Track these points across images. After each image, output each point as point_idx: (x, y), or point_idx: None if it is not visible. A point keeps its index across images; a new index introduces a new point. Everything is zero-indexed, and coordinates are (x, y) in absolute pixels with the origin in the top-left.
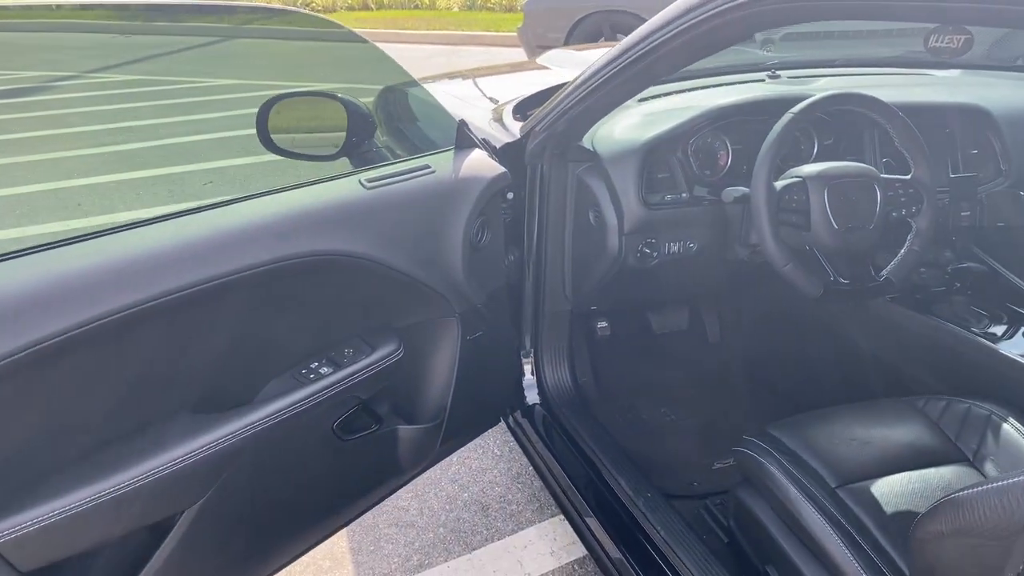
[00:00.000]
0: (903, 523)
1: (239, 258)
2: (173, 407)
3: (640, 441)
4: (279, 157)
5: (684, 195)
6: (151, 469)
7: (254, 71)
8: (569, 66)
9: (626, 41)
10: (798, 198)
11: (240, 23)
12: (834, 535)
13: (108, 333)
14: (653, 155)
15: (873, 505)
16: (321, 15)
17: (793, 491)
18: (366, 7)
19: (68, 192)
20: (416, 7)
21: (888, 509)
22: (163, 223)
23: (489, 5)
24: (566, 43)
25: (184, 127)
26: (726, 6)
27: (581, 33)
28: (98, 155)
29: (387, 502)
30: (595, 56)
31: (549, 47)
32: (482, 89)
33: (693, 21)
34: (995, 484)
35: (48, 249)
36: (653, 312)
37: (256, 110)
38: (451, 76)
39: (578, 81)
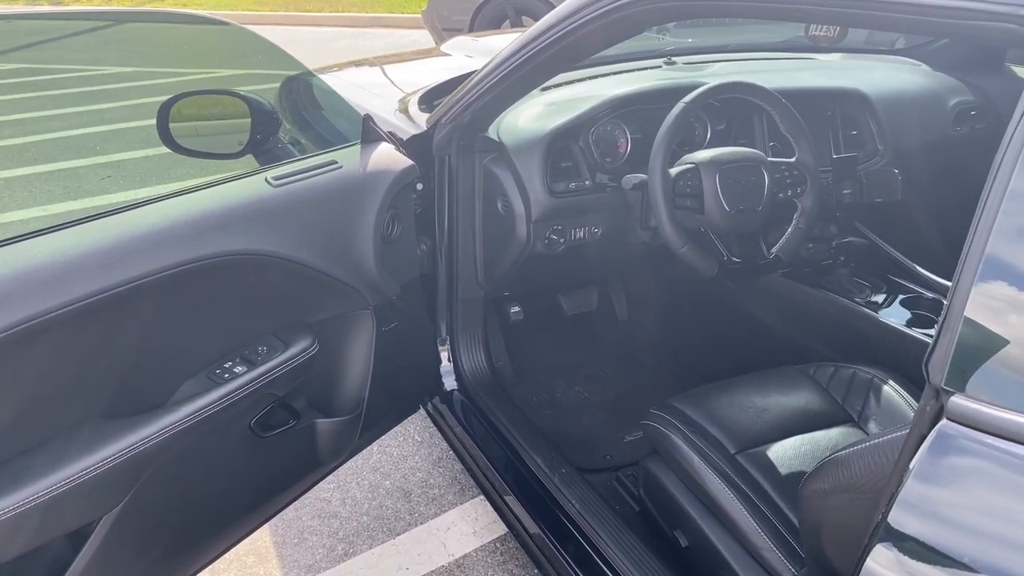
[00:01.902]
0: (795, 483)
1: (148, 262)
2: (84, 413)
3: (555, 419)
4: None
5: (587, 183)
6: (65, 478)
7: (148, 58)
8: (473, 54)
9: (530, 32)
10: (692, 183)
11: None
12: (735, 498)
13: (14, 342)
14: (556, 144)
15: (769, 468)
16: (203, 13)
17: (696, 459)
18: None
19: None
20: None
21: (783, 471)
22: (66, 229)
23: None
24: (471, 26)
25: (77, 118)
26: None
27: (486, 16)
28: None
29: (309, 494)
30: (498, 44)
31: (454, 30)
32: (388, 78)
33: (597, 12)
34: (868, 443)
35: None
36: (564, 294)
37: (155, 99)
38: (357, 64)
39: (483, 72)
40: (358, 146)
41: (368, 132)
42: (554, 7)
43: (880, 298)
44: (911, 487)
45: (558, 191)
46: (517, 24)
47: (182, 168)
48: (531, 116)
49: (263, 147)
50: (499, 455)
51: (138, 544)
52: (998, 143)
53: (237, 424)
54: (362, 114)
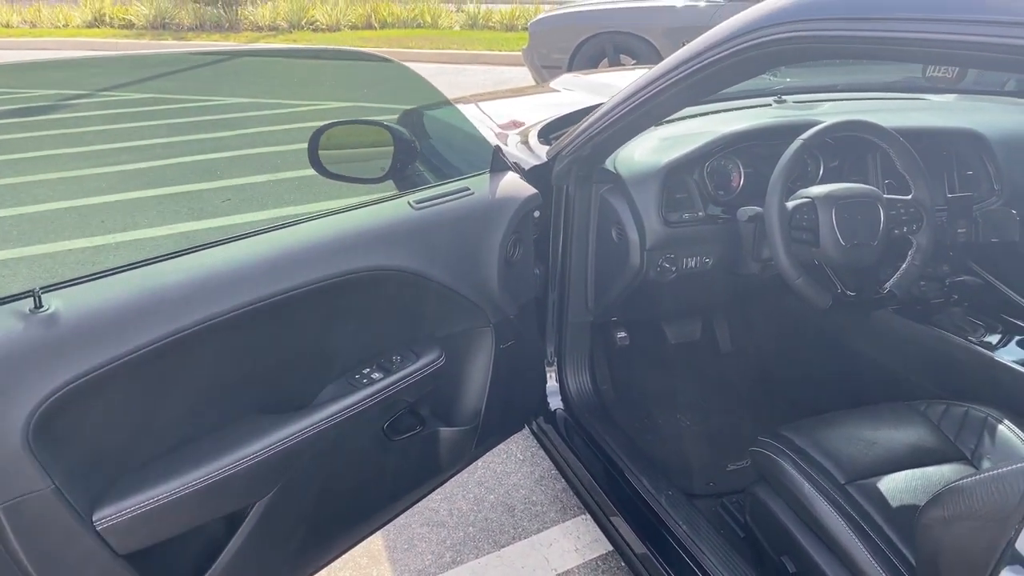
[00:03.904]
0: (907, 515)
1: (303, 274)
2: (244, 409)
3: (657, 445)
4: (298, 174)
5: (700, 214)
6: (228, 464)
7: (264, 89)
8: (579, 90)
9: (658, 68)
10: (808, 217)
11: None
12: (845, 526)
13: (192, 342)
14: (672, 177)
15: (880, 499)
16: (368, 50)
17: (807, 487)
18: (369, 26)
19: (90, 209)
20: (419, 26)
21: (893, 503)
22: (238, 241)
23: (490, 24)
24: (570, 63)
25: (200, 145)
26: (760, 40)
27: (585, 54)
28: (116, 173)
29: (419, 504)
30: (604, 80)
31: (553, 67)
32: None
33: (724, 53)
34: (992, 472)
35: (139, 267)
36: (668, 323)
37: (269, 128)
38: (477, 99)
39: (607, 107)
40: (487, 174)
41: (497, 161)
42: (653, 46)
43: (995, 338)
44: None
45: (672, 221)
46: (615, 62)
47: (296, 193)
48: (647, 149)
49: (402, 173)
50: (604, 474)
51: (285, 531)
52: None
53: (372, 426)
54: (492, 145)
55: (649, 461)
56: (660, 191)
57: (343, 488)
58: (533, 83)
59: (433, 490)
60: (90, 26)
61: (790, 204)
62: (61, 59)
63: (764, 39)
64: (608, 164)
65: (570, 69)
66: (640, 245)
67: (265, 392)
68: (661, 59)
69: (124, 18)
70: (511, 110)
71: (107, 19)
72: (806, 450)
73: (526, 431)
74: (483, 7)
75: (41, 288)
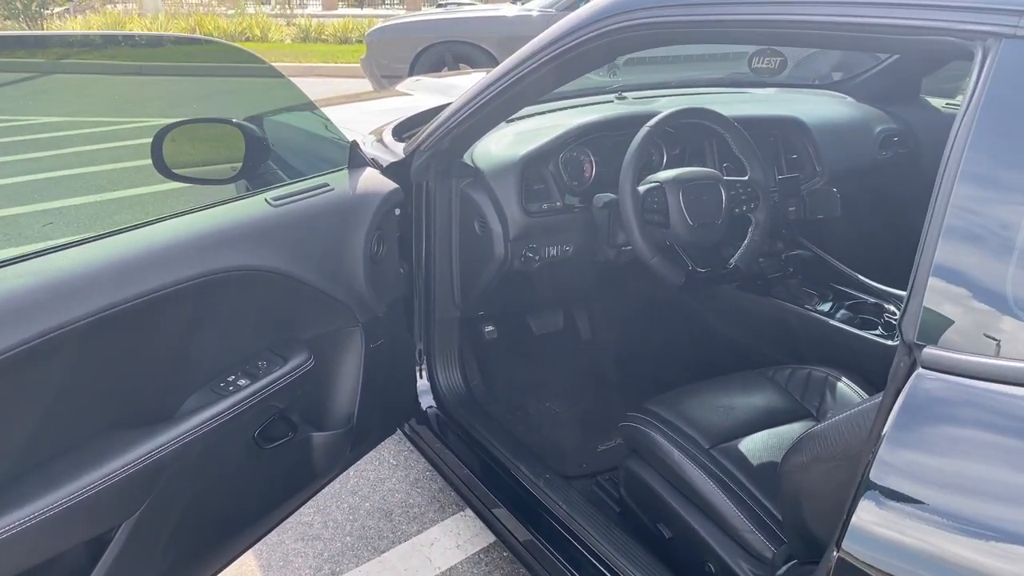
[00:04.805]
0: (767, 471)
1: (160, 276)
2: (99, 424)
3: (531, 434)
4: (129, 193)
5: (558, 203)
6: (88, 484)
7: (78, 107)
8: (427, 92)
9: (508, 63)
10: (658, 200)
11: (106, 57)
12: (714, 487)
13: (40, 353)
14: (529, 168)
15: (742, 460)
16: (232, 44)
17: (676, 453)
18: (194, 41)
19: None
20: (247, 39)
21: (754, 462)
22: (78, 247)
23: (323, 37)
24: (410, 72)
25: (10, 167)
26: (594, 33)
27: (424, 62)
28: None
29: (291, 518)
30: (452, 82)
31: (394, 76)
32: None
33: (571, 43)
34: (843, 415)
35: None
36: (532, 316)
37: (92, 146)
38: (324, 104)
39: (461, 101)
40: (346, 171)
41: (355, 157)
42: (491, 55)
43: (827, 305)
44: (891, 441)
45: (532, 211)
46: (455, 70)
47: (125, 213)
48: (504, 143)
49: (254, 173)
50: (482, 468)
51: (154, 552)
52: (919, 165)
53: (242, 435)
54: (348, 141)
55: (524, 450)
56: (519, 182)
57: (214, 502)
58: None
59: (309, 499)
60: None
61: (641, 189)
62: None
63: (609, 28)
64: (466, 159)
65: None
66: (504, 236)
67: (123, 405)
68: None
69: None
70: (364, 113)
71: None
72: (672, 420)
73: (397, 435)
74: (315, 20)
75: None
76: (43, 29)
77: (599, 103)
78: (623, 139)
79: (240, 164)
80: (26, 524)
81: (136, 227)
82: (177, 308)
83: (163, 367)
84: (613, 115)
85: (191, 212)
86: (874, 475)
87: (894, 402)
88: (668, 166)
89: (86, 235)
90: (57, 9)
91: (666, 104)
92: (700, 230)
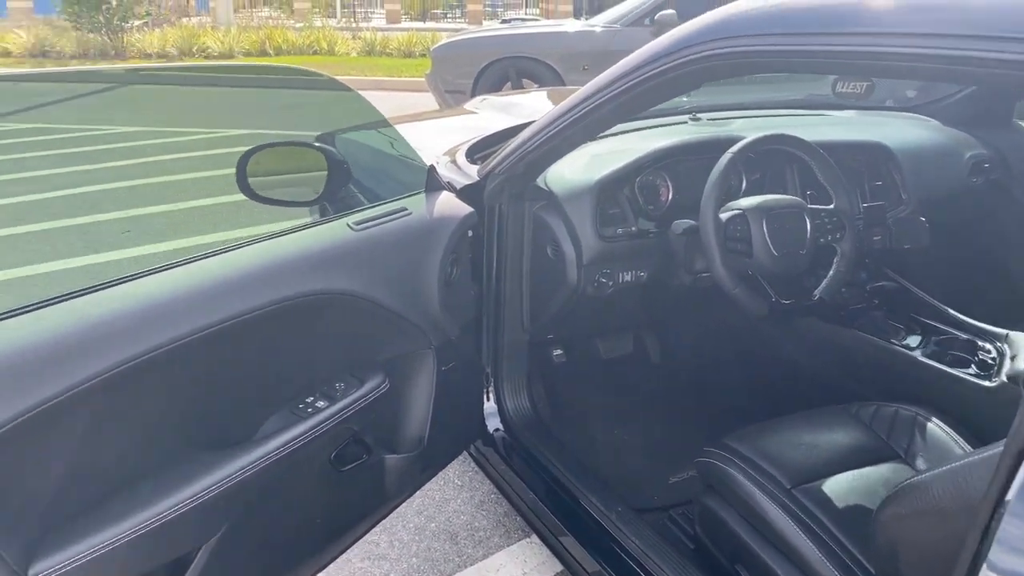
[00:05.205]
0: (853, 515)
1: (243, 301)
2: (183, 446)
3: (598, 461)
4: (199, 203)
5: (633, 228)
6: (172, 506)
7: (158, 118)
8: (495, 111)
9: (590, 86)
10: (740, 228)
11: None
12: (797, 530)
13: (127, 377)
14: (604, 192)
15: (826, 502)
16: (312, 70)
17: (757, 493)
18: (264, 53)
19: None
20: (315, 53)
21: (839, 504)
22: (163, 272)
23: (388, 51)
24: (474, 87)
25: (92, 176)
26: (685, 58)
27: (488, 79)
28: (2, 207)
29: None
30: (517, 101)
31: (457, 91)
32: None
33: (660, 68)
34: (947, 467)
35: (68, 299)
36: (600, 339)
37: (164, 157)
38: (396, 121)
39: (539, 125)
40: (423, 194)
41: (432, 181)
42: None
43: (914, 340)
44: (1017, 504)
45: (607, 236)
46: (518, 86)
47: (196, 223)
48: (579, 166)
49: (335, 196)
50: (549, 494)
51: (235, 573)
52: (1014, 194)
53: (319, 457)
54: (425, 164)
55: (593, 478)
56: (594, 206)
57: (290, 525)
58: (438, 108)
59: (379, 521)
60: None
61: (723, 216)
62: None
63: (702, 54)
64: (540, 182)
65: (474, 93)
66: (577, 261)
67: (206, 427)
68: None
69: (1, 47)
70: (435, 132)
71: None
72: (752, 457)
73: (462, 456)
74: (380, 34)
75: None
76: (123, 42)
77: (673, 124)
78: (701, 163)
79: (322, 186)
80: (115, 544)
81: (223, 251)
82: (260, 331)
83: (245, 389)
84: (691, 139)
85: (275, 236)
86: (1001, 537)
87: (1018, 462)
88: (748, 192)
89: (175, 260)
90: (136, 23)
91: (742, 126)
92: (784, 260)
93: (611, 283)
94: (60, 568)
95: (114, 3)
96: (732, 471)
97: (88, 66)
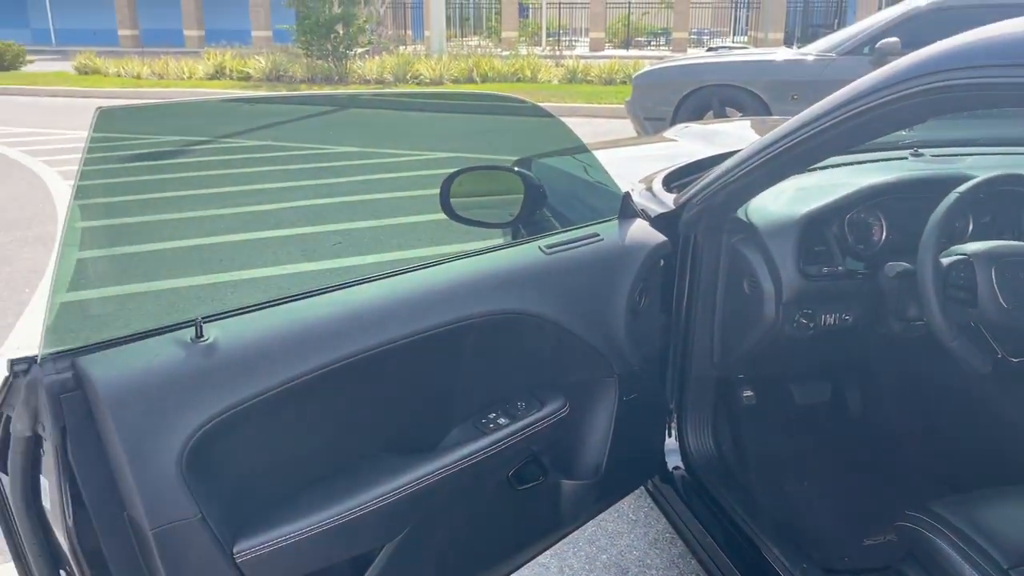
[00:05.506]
0: None
1: (440, 314)
2: (376, 447)
3: (783, 512)
4: (402, 221)
5: (839, 268)
6: (363, 503)
7: (372, 139)
8: (695, 139)
9: (804, 115)
10: (965, 275)
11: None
12: None
13: (335, 376)
14: (811, 228)
15: None
16: (516, 96)
17: (968, 569)
18: (471, 80)
19: (210, 249)
20: (518, 80)
21: None
22: (368, 283)
23: (589, 78)
24: (674, 115)
25: (311, 191)
26: (918, 88)
27: (689, 106)
28: (233, 215)
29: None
30: (721, 129)
31: (657, 119)
32: (619, 159)
33: (885, 98)
34: None
35: (290, 301)
36: (795, 383)
37: (375, 176)
38: (593, 147)
39: (744, 154)
40: (616, 220)
41: (626, 208)
42: (761, 99)
43: None
44: None
45: (810, 274)
46: (721, 115)
47: (400, 238)
48: (784, 199)
49: (530, 219)
50: (728, 540)
51: None
52: None
53: (498, 473)
54: (620, 191)
55: (778, 529)
56: (798, 242)
57: (466, 537)
58: (635, 134)
59: (551, 545)
60: (211, 78)
61: (944, 261)
62: (186, 102)
63: (932, 85)
64: (739, 213)
65: (674, 121)
66: (776, 298)
67: (396, 431)
68: (770, 113)
69: (243, 71)
70: (632, 159)
71: (227, 71)
72: (963, 529)
73: (639, 490)
74: (582, 62)
75: (203, 318)
76: (346, 68)
77: (891, 159)
78: (921, 203)
79: (517, 209)
80: (309, 533)
81: (422, 267)
82: (450, 344)
83: (433, 398)
84: (911, 176)
85: (471, 255)
86: None
87: None
88: (975, 236)
89: (382, 272)
90: (359, 50)
91: (973, 165)
92: (1015, 313)
93: (811, 324)
94: (260, 549)
95: (341, 32)
96: (939, 541)
97: (314, 90)
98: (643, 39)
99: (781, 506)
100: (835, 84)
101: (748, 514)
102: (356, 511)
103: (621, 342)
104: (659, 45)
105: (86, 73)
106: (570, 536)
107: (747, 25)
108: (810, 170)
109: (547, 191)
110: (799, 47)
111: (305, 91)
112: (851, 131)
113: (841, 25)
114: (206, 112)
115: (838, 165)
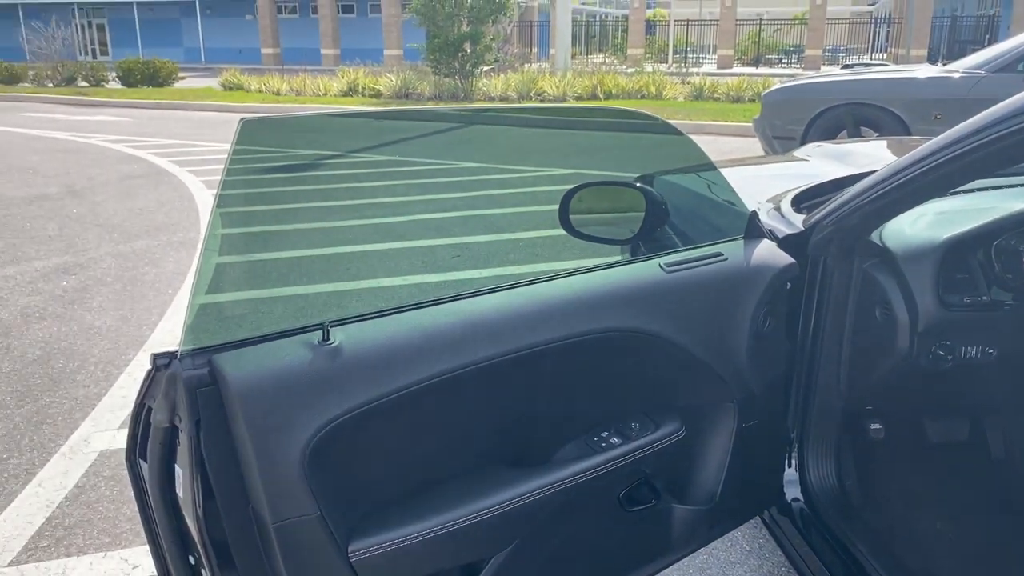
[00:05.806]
0: None
1: (558, 328)
2: (489, 456)
3: (912, 554)
4: (517, 236)
5: (984, 297)
6: (475, 512)
7: (493, 156)
8: (827, 159)
9: (944, 138)
10: None
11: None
12: None
13: (454, 384)
14: (952, 254)
15: None
16: (645, 112)
17: None
18: (594, 97)
19: (338, 258)
20: (643, 97)
21: None
22: (487, 295)
23: (716, 96)
24: (805, 134)
25: (433, 205)
26: None
27: (821, 125)
28: (360, 227)
29: None
30: (855, 149)
31: (786, 138)
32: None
33: None
34: None
35: (414, 309)
36: (930, 419)
37: (493, 192)
38: (721, 165)
39: (882, 175)
40: (741, 240)
41: (752, 228)
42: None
43: None
44: None
45: (951, 303)
46: (854, 135)
47: (517, 253)
48: (922, 224)
49: (651, 236)
50: None
51: None
52: None
53: (609, 493)
54: (748, 211)
55: (905, 572)
56: (938, 269)
57: (573, 554)
58: (763, 153)
59: (660, 570)
60: (345, 95)
61: None
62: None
63: None
64: (874, 237)
65: (804, 141)
66: (911, 327)
67: (511, 442)
68: (908, 132)
69: (374, 88)
70: (759, 178)
71: (360, 89)
72: None
73: (754, 520)
74: (709, 79)
75: (330, 322)
76: (472, 86)
77: None
78: None
79: (638, 226)
80: (422, 538)
81: (540, 281)
82: (566, 359)
83: (547, 412)
84: None
85: (589, 271)
86: None
87: None
88: None
89: (500, 284)
90: (485, 68)
91: None
92: None
93: (950, 357)
94: (373, 550)
95: (468, 51)
96: None
97: (440, 106)
98: (774, 56)
99: (909, 547)
100: (984, 103)
101: (872, 553)
102: (468, 519)
103: (742, 366)
104: (790, 63)
105: (231, 89)
106: (680, 562)
107: (887, 41)
108: (953, 194)
109: (669, 208)
110: (944, 64)
111: (430, 107)
112: (1000, 153)
113: (992, 41)
114: (337, 126)
115: (984, 188)
